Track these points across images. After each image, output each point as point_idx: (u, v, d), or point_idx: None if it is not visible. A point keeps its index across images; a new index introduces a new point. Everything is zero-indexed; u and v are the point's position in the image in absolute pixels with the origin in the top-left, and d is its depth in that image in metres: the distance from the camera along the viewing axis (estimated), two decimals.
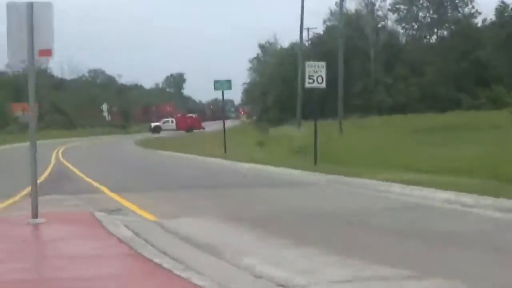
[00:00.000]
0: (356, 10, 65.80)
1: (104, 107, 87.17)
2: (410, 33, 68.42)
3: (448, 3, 65.27)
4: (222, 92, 31.97)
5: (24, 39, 10.44)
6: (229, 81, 31.42)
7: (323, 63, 22.15)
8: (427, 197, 13.30)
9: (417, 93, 62.53)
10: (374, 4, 66.56)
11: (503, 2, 59.26)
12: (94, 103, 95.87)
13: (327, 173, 18.85)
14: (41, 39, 10.50)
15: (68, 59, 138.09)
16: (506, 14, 59.40)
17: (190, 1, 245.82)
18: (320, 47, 64.23)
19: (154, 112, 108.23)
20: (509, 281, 6.60)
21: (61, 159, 30.67)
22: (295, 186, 16.90)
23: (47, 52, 10.60)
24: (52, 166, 25.98)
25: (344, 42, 49.93)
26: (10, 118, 79.19)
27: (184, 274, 6.53)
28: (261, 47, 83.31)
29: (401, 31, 68.51)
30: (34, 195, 10.44)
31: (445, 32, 66.23)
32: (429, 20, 67.10)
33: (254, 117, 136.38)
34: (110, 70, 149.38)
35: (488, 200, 11.86)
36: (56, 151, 40.25)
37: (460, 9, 66.24)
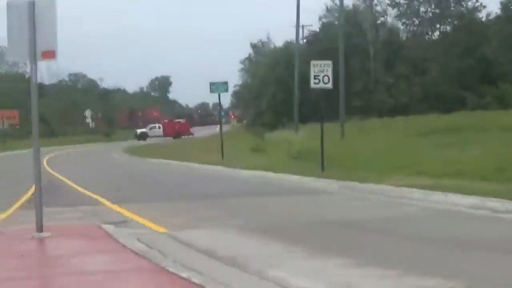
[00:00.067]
0: (353, 6, 65.89)
1: (88, 113, 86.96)
2: (411, 29, 68.49)
3: None
4: (219, 95, 31.91)
5: (25, 40, 10.36)
6: (225, 83, 31.44)
7: (329, 62, 22.16)
8: (451, 203, 13.29)
9: (419, 93, 62.56)
10: None
11: None
12: (76, 109, 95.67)
13: (337, 179, 18.85)
14: (44, 40, 10.43)
15: (47, 63, 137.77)
16: None
17: (174, 1, 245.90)
18: (316, 46, 64.21)
19: (140, 118, 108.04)
20: None
21: (48, 169, 30.48)
22: (306, 193, 16.88)
23: (51, 54, 10.53)
24: (43, 178, 25.72)
25: (344, 39, 49.97)
26: None
27: None
28: (253, 46, 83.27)
29: (402, 27, 68.61)
30: (39, 208, 10.36)
31: (448, 28, 66.35)
32: (430, 15, 67.21)
33: (245, 121, 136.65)
34: (91, 74, 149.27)
35: None
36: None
37: (463, 3, 66.40)
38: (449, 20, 66.44)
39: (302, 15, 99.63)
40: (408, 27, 68.78)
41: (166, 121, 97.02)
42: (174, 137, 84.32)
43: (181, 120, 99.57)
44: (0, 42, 73.22)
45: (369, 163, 23.26)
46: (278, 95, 64.22)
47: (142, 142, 78.02)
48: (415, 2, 67.48)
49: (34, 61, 10.43)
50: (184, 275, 7.14)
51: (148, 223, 12.27)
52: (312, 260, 8.43)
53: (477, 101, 56.37)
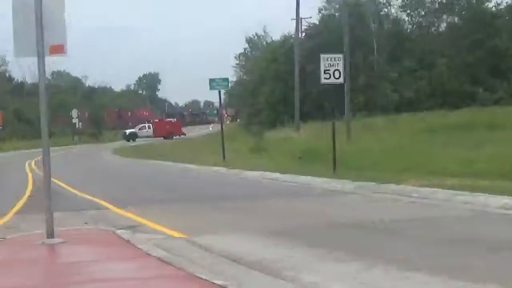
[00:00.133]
0: None
1: (74, 113, 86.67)
2: (417, 20, 68.34)
3: None
4: (219, 92, 31.87)
5: (32, 35, 10.29)
6: (226, 79, 31.45)
7: (340, 56, 22.14)
8: (480, 203, 13.29)
9: (426, 88, 62.60)
10: None
11: None
12: (61, 109, 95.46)
13: (351, 180, 18.88)
14: (53, 34, 10.39)
15: (28, 61, 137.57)
16: None
17: None
18: (316, 39, 64.16)
19: (129, 117, 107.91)
20: None
21: (40, 172, 30.38)
22: (321, 195, 16.87)
23: (60, 49, 10.48)
24: (33, 181, 25.76)
25: (347, 31, 49.88)
26: None
27: None
28: (249, 41, 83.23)
29: (406, 18, 68.49)
30: (49, 212, 10.30)
31: (456, 19, 66.29)
32: (437, 5, 67.08)
33: (239, 120, 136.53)
34: (75, 72, 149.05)
35: None
36: (27, 164, 40.01)
37: None
38: (456, 10, 66.40)
39: (300, 8, 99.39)
40: (413, 19, 68.68)
41: (157, 120, 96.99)
42: (165, 138, 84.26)
43: (172, 120, 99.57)
44: None
45: (379, 163, 23.39)
46: (277, 92, 64.15)
47: (131, 143, 77.93)
48: None
49: (42, 56, 10.36)
50: (219, 282, 7.08)
51: (161, 228, 12.22)
52: (346, 264, 8.39)
53: (488, 96, 56.49)
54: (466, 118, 41.99)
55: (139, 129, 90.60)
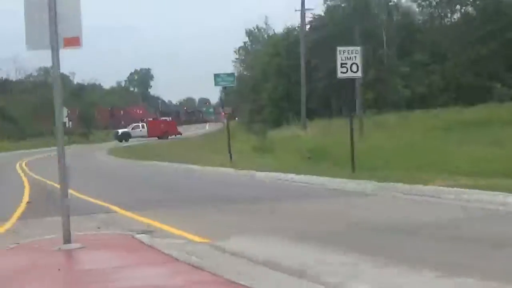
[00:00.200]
0: None
1: (64, 111, 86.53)
2: (428, 11, 68.44)
3: None
4: (224, 88, 31.80)
5: (45, 27, 10.27)
6: (231, 74, 31.47)
7: (357, 48, 22.15)
8: None
9: (438, 83, 62.61)
10: None
11: None
12: (48, 107, 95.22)
13: (371, 180, 18.86)
14: (67, 26, 10.38)
15: (13, 56, 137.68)
16: None
17: None
18: (321, 31, 64.20)
19: (122, 116, 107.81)
20: None
21: (34, 175, 30.43)
22: (343, 196, 16.83)
23: (74, 41, 10.46)
24: (29, 184, 25.79)
25: (357, 22, 49.89)
26: None
27: None
28: (249, 34, 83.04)
29: (417, 9, 68.56)
30: (65, 216, 10.27)
31: (470, 8, 66.33)
32: None
33: (237, 118, 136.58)
34: (62, 68, 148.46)
35: None
36: (19, 165, 40.07)
37: None
38: (470, 0, 66.42)
39: None
40: (424, 9, 68.74)
41: (151, 119, 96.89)
42: (159, 138, 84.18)
43: (167, 119, 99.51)
44: None
45: (393, 161, 23.44)
46: (280, 88, 64.20)
47: (124, 144, 77.77)
48: None
49: (56, 49, 10.33)
50: None
51: (180, 232, 12.19)
52: (390, 269, 8.35)
53: (506, 92, 56.41)
54: (483, 114, 42.02)
55: (132, 129, 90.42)
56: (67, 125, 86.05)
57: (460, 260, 8.69)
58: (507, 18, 60.87)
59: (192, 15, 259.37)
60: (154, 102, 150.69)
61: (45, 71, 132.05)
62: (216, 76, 31.34)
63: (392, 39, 64.21)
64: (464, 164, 20.27)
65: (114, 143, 79.69)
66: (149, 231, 12.20)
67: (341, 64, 21.70)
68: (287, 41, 66.47)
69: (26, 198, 20.68)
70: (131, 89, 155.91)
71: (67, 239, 10.20)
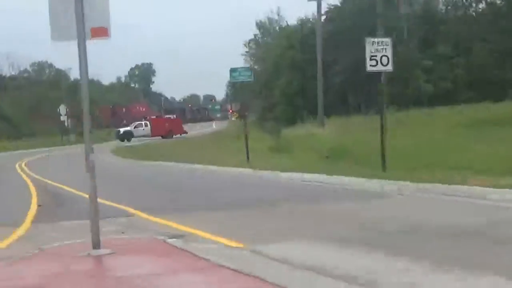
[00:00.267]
0: None
1: (62, 109, 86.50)
2: (452, 0, 68.44)
3: None
4: (239, 83, 31.79)
5: (71, 17, 10.24)
6: (248, 69, 31.35)
7: (388, 40, 22.08)
8: None
9: (463, 77, 62.53)
10: None
11: None
12: (45, 105, 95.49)
13: (408, 180, 18.83)
14: (94, 15, 10.37)
15: (7, 52, 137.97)
16: None
17: None
18: (338, 23, 64.16)
19: (124, 114, 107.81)
20: None
21: (39, 177, 30.51)
22: (379, 197, 16.82)
23: (102, 31, 10.43)
24: (35, 186, 25.84)
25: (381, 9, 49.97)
26: None
27: None
28: (260, 26, 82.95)
29: None
30: (95, 220, 10.23)
31: None
32: None
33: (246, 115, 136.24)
34: (57, 63, 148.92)
35: None
36: (19, 166, 40.20)
37: None
38: None
39: None
40: None
41: (154, 117, 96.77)
42: (163, 137, 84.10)
43: (172, 116, 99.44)
44: None
45: (421, 161, 23.39)
46: (294, 83, 64.13)
47: (127, 144, 77.76)
48: None
49: (82, 41, 10.29)
50: None
51: (211, 237, 12.17)
52: (448, 275, 8.31)
53: None
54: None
55: (134, 127, 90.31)
56: (66, 124, 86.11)
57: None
58: None
59: (195, 9, 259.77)
60: (157, 99, 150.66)
61: (39, 66, 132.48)
62: (233, 70, 31.29)
63: (413, 30, 64.11)
64: (496, 163, 20.21)
65: (116, 143, 79.72)
66: (179, 236, 12.17)
67: (371, 56, 21.67)
68: (301, 33, 66.39)
69: (34, 201, 20.69)
70: (132, 85, 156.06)
71: (96, 244, 10.16)
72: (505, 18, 61.35)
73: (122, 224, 14.39)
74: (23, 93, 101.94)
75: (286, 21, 78.60)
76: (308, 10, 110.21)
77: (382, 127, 22.30)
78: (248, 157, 31.15)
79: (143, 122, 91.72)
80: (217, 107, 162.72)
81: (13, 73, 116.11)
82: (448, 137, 30.72)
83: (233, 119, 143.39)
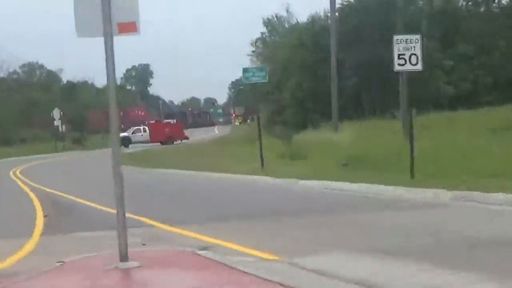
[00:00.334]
0: None
1: (56, 113, 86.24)
2: None
3: None
4: (253, 85, 31.75)
5: (97, 11, 10.18)
6: (263, 69, 31.23)
7: (417, 37, 22.07)
8: None
9: (486, 78, 62.40)
10: None
11: None
12: (36, 109, 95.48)
13: (440, 187, 18.76)
14: (122, 9, 10.32)
15: None
16: None
17: None
18: (351, 21, 64.05)
19: (121, 118, 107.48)
20: None
21: (41, 187, 30.47)
22: (415, 207, 16.74)
23: (130, 27, 10.38)
24: (38, 196, 25.84)
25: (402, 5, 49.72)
26: None
27: None
28: (267, 23, 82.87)
29: None
30: (122, 232, 10.16)
31: None
32: None
33: (249, 121, 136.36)
34: (48, 64, 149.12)
35: None
36: (13, 174, 40.21)
37: None
38: None
39: None
40: None
41: (153, 122, 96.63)
42: (162, 143, 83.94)
43: (172, 121, 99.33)
44: None
45: (448, 167, 23.29)
46: (305, 85, 63.98)
47: (125, 150, 77.53)
48: None
49: (109, 36, 10.22)
50: None
51: (241, 248, 12.14)
52: None
53: None
54: None
55: (132, 133, 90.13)
56: (60, 129, 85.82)
57: None
58: None
59: (195, 6, 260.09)
60: (154, 102, 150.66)
61: (30, 67, 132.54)
62: (245, 70, 31.22)
63: (432, 28, 63.95)
64: None
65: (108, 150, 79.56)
66: (206, 247, 12.11)
67: (399, 55, 21.60)
68: (313, 31, 66.23)
69: (39, 210, 20.68)
70: (128, 87, 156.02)
71: (124, 257, 10.08)
72: None
73: (140, 235, 14.30)
74: (13, 96, 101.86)
75: (296, 18, 78.41)
76: (319, 6, 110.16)
77: (411, 129, 22.24)
78: (262, 164, 31.06)
79: (141, 127, 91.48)
80: (219, 111, 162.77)
81: (1, 75, 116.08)
82: (472, 141, 30.63)
83: (236, 123, 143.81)
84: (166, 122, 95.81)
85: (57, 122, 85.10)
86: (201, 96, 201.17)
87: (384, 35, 62.75)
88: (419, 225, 14.01)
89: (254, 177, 28.11)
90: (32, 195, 26.41)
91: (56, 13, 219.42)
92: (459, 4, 68.71)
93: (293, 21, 78.90)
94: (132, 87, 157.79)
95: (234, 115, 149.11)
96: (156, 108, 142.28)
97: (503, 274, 9.08)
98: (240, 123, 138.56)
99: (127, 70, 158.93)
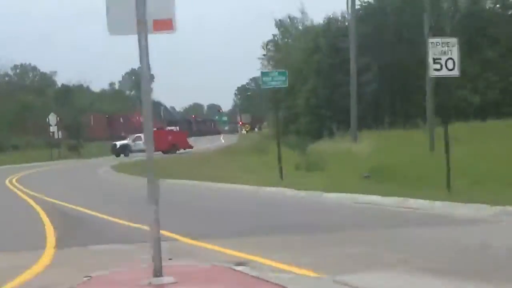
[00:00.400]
0: None
1: (52, 119, 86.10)
2: None
3: None
4: (273, 90, 31.75)
5: (131, 7, 10.19)
6: (283, 73, 31.13)
7: (454, 40, 21.95)
8: None
9: None
10: None
11: None
12: (29, 113, 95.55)
13: (486, 203, 18.70)
14: (157, 6, 10.35)
15: None
16: None
17: None
18: (370, 23, 64.09)
19: (121, 125, 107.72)
20: None
21: (43, 196, 30.56)
22: (456, 223, 16.72)
23: (166, 24, 10.40)
24: (42, 206, 25.88)
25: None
26: None
27: None
28: (280, 25, 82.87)
29: None
30: (156, 246, 10.15)
31: None
32: None
33: (256, 129, 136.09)
34: (41, 66, 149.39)
35: None
36: (9, 182, 40.25)
37: None
38: None
39: None
40: None
41: (155, 129, 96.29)
42: (164, 152, 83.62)
43: (175, 128, 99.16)
44: None
45: (482, 180, 23.24)
46: (320, 92, 64.04)
47: (126, 159, 77.44)
48: None
49: (143, 34, 10.20)
50: None
51: (275, 264, 12.16)
52: None
53: None
54: None
55: (133, 140, 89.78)
56: (56, 136, 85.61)
57: None
58: None
59: (198, 6, 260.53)
60: (155, 109, 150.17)
61: (22, 69, 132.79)
62: (264, 74, 31.12)
63: (458, 32, 63.91)
64: None
65: (112, 159, 79.55)
66: (241, 263, 12.11)
67: (434, 59, 21.49)
68: (329, 33, 66.30)
69: (46, 222, 20.74)
70: (127, 92, 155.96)
71: (158, 271, 10.07)
72: None
73: (165, 250, 14.28)
74: (4, 99, 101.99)
75: (312, 19, 78.32)
76: (335, 7, 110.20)
77: (447, 138, 22.22)
78: (281, 175, 31.03)
79: (142, 135, 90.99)
80: (225, 118, 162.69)
81: None
82: (505, 152, 30.56)
83: (243, 132, 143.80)
84: (169, 130, 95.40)
85: (53, 128, 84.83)
86: (204, 102, 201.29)
87: (406, 38, 63.01)
88: (463, 242, 13.98)
89: (273, 188, 28.08)
90: (34, 205, 26.59)
91: (43, 14, 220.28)
92: (486, 7, 68.70)
93: (308, 23, 78.92)
94: (131, 92, 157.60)
95: (240, 123, 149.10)
96: (157, 115, 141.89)
97: None
98: (247, 131, 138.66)
99: (126, 74, 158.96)
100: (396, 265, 11.67)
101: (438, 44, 21.78)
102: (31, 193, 32.83)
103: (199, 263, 12.12)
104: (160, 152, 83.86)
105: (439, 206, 19.17)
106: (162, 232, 16.54)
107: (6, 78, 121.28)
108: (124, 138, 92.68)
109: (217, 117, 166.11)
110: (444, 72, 21.71)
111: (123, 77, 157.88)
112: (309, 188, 26.53)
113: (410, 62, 60.14)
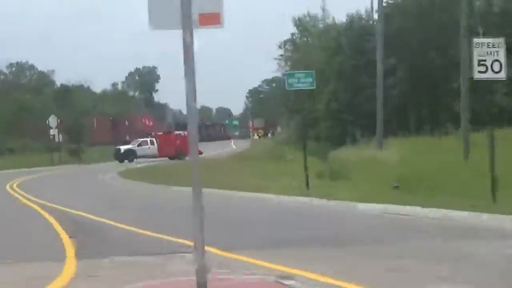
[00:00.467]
0: None
1: (52, 121, 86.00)
2: None
3: None
4: (300, 92, 31.71)
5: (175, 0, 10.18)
6: (311, 74, 31.07)
7: (500, 40, 21.95)
8: None
9: None
10: None
11: None
12: (27, 115, 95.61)
13: None
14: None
15: None
16: None
17: None
18: (396, 21, 64.04)
19: (126, 128, 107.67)
20: None
21: (52, 204, 30.61)
22: (506, 237, 16.67)
23: (213, 18, 10.37)
24: (52, 214, 25.94)
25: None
26: None
27: None
28: (299, 23, 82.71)
29: None
30: (200, 255, 10.17)
31: None
32: None
33: (270, 134, 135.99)
34: (39, 64, 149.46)
35: None
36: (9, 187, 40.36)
37: None
38: None
39: None
40: None
41: (161, 133, 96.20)
42: (171, 158, 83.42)
43: (182, 133, 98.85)
44: None
45: None
46: (342, 95, 63.98)
47: (130, 165, 77.16)
48: None
49: (189, 29, 10.17)
50: None
51: (319, 277, 12.21)
52: None
53: None
54: None
55: (138, 145, 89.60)
56: (56, 139, 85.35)
57: None
58: None
59: None
60: (160, 111, 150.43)
61: (18, 68, 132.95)
62: (290, 75, 31.08)
63: (490, 32, 63.80)
64: None
65: (115, 164, 79.47)
66: (286, 277, 12.15)
67: (479, 61, 21.46)
68: (352, 32, 66.24)
69: (60, 231, 20.81)
70: (131, 93, 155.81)
71: (203, 285, 10.08)
72: None
73: (190, 261, 14.35)
74: (0, 99, 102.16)
75: (333, 18, 77.97)
76: (358, 4, 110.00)
77: (492, 142, 22.11)
78: (307, 184, 31.01)
79: (148, 139, 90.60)
80: (235, 122, 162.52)
81: None
82: None
83: (255, 137, 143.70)
84: (176, 134, 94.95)
85: (53, 131, 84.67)
86: (213, 105, 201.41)
87: (434, 39, 62.90)
88: None
89: (300, 198, 28.11)
90: (43, 213, 26.69)
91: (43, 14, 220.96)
92: None
93: (329, 21, 78.67)
94: (135, 93, 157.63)
95: (252, 127, 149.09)
96: (162, 117, 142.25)
97: None
98: (259, 136, 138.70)
99: (130, 74, 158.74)
100: (453, 281, 11.69)
101: (483, 44, 21.73)
102: (38, 200, 32.88)
103: (244, 276, 12.17)
104: (167, 158, 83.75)
105: (486, 219, 19.11)
106: (187, 242, 16.67)
107: (1, 77, 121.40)
108: (128, 143, 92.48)
109: (227, 121, 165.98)
110: (489, 75, 21.69)
111: (126, 77, 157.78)
112: (338, 198, 26.55)
113: (439, 64, 60.14)
